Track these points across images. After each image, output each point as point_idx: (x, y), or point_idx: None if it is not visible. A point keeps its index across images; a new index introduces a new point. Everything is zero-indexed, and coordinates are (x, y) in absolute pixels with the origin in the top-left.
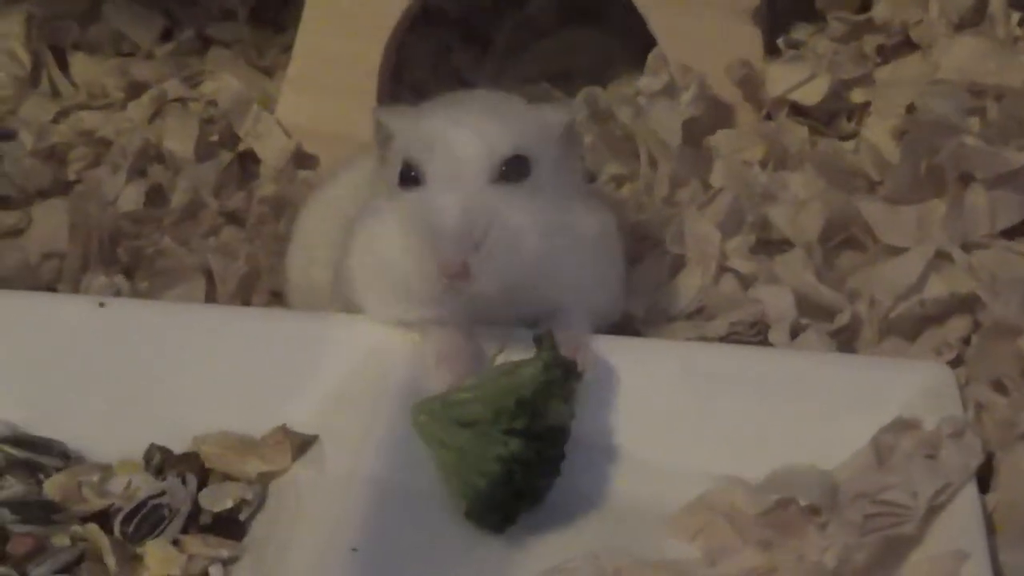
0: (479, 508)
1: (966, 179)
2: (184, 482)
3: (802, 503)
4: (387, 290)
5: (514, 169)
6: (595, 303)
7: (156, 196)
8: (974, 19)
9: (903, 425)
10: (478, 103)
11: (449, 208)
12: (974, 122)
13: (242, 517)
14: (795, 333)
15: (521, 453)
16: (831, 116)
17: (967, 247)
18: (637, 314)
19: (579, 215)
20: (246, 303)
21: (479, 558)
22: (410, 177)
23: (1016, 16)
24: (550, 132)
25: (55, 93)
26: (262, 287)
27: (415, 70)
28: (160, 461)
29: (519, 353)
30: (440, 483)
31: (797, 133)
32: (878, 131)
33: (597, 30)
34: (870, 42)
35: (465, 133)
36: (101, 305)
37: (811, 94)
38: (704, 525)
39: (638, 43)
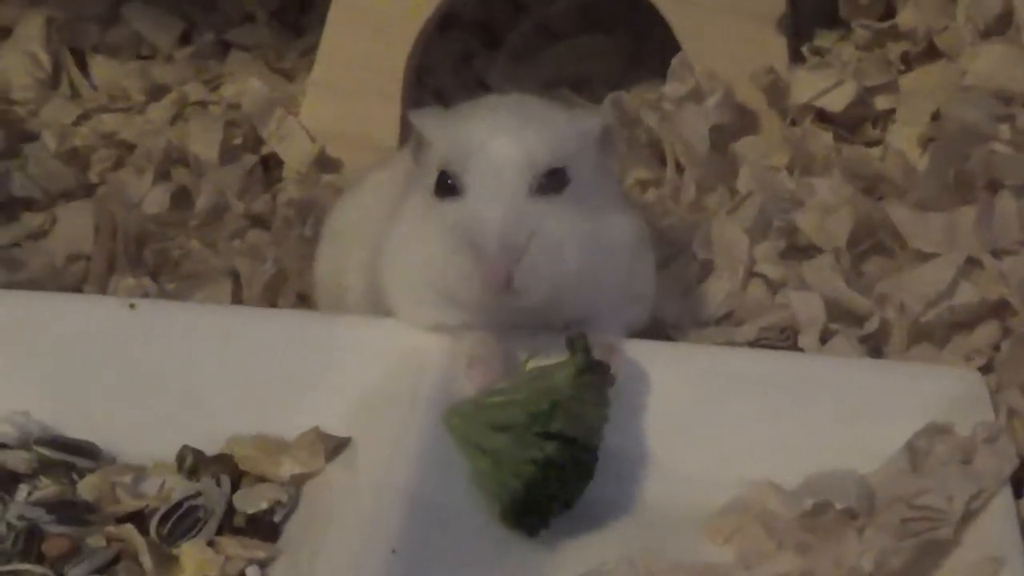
0: (514, 511)
1: (995, 186)
2: (218, 483)
3: (839, 507)
4: (425, 296)
5: (554, 180)
6: (627, 308)
7: (181, 199)
8: (1000, 27)
9: (937, 430)
10: (516, 110)
11: (493, 220)
12: (1004, 129)
13: (276, 519)
14: (824, 338)
15: (556, 456)
16: (856, 123)
17: (996, 253)
18: (667, 319)
19: (615, 222)
20: (272, 305)
21: (512, 561)
22: (448, 186)
23: None
24: (587, 139)
25: (75, 95)
26: (288, 290)
27: (436, 75)
28: (193, 462)
29: (550, 356)
30: (473, 486)
31: (822, 139)
32: (903, 138)
33: (614, 35)
34: (894, 49)
35: (506, 144)
36: (132, 306)
37: (836, 101)
38: (738, 528)
39: (655, 49)
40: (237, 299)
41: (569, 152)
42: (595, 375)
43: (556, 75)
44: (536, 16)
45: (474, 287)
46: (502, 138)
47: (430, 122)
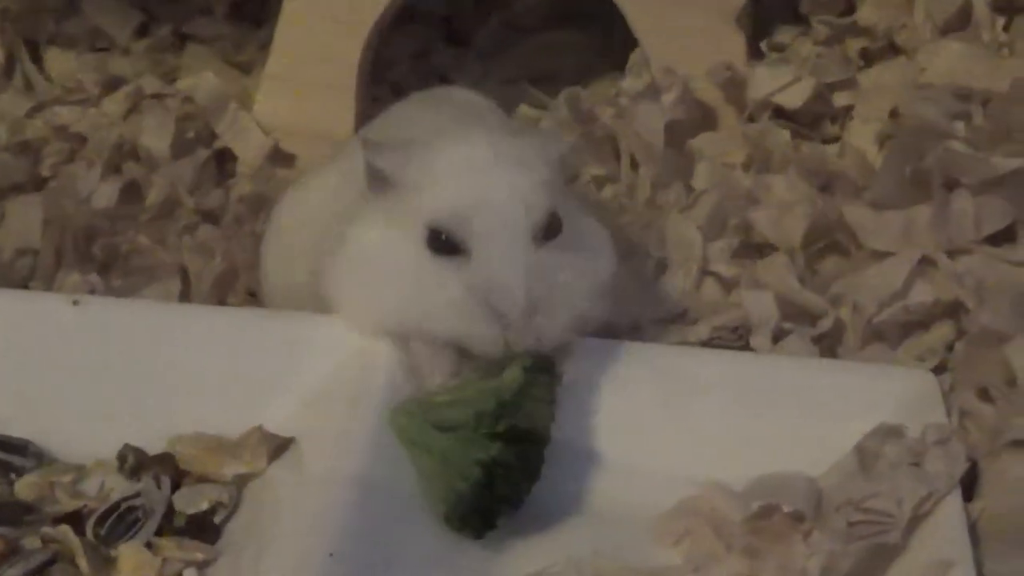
0: (460, 513)
1: (952, 184)
2: (159, 484)
3: (786, 510)
4: (409, 334)
5: (551, 227)
6: (583, 310)
7: (132, 193)
8: (959, 24)
9: (887, 432)
10: (494, 149)
11: (513, 286)
12: (960, 127)
13: (217, 520)
14: (777, 338)
15: (502, 457)
16: (814, 120)
17: (952, 253)
18: (621, 317)
19: (594, 244)
20: (222, 302)
21: (458, 563)
22: (444, 243)
23: (1001, 21)
24: (558, 167)
25: (29, 88)
26: (239, 286)
27: (396, 69)
28: (134, 462)
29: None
30: (419, 487)
31: (780, 136)
32: (862, 135)
33: (582, 32)
34: (854, 46)
35: (507, 202)
36: (75, 303)
37: (794, 97)
38: (687, 531)
39: (623, 45)
40: (186, 296)
41: (554, 192)
42: (541, 373)
43: (523, 72)
44: (504, 12)
45: (498, 347)
46: (500, 193)
47: (394, 162)
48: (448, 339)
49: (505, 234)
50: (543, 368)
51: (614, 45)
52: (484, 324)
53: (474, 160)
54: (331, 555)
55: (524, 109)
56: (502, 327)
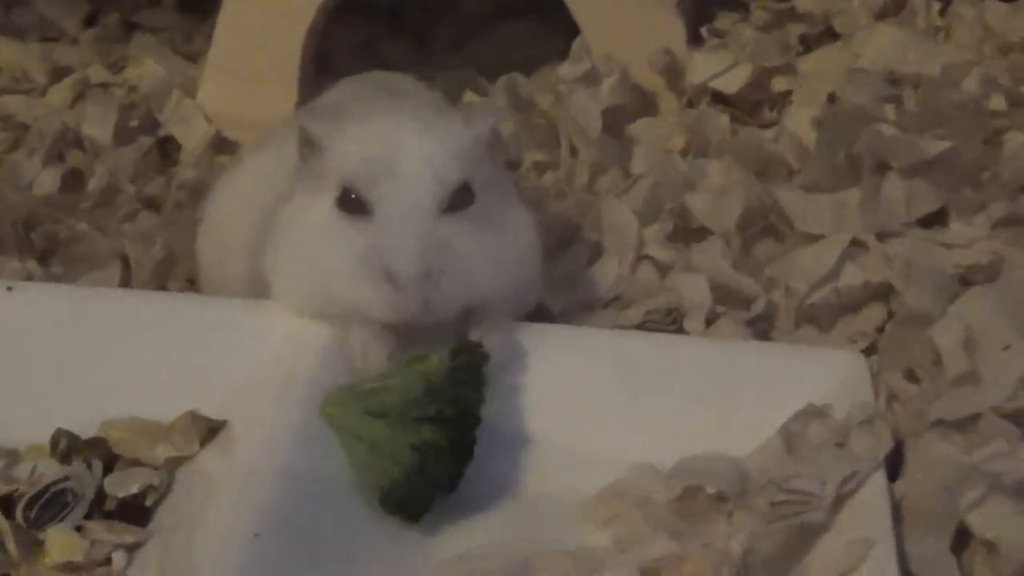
0: (393, 498)
1: (883, 168)
2: (90, 467)
3: (710, 491)
4: (321, 301)
5: (460, 196)
6: (514, 296)
7: (73, 181)
8: (895, 9)
9: (813, 413)
10: (417, 122)
11: (408, 247)
12: (891, 111)
13: (148, 503)
14: (711, 321)
15: (434, 440)
16: (754, 105)
17: (883, 236)
18: (556, 302)
19: (514, 224)
20: (162, 289)
21: (390, 546)
22: (351, 201)
23: (937, 6)
24: (481, 142)
25: None
26: (178, 273)
27: (341, 59)
28: (67, 446)
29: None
30: (352, 473)
31: (719, 122)
32: (799, 120)
33: (530, 22)
34: (793, 31)
35: (415, 165)
36: (8, 289)
37: (732, 82)
38: (616, 513)
39: (571, 34)
40: (126, 283)
41: (471, 164)
42: (469, 356)
43: (471, 61)
44: (453, 4)
45: (388, 311)
46: (410, 158)
47: (322, 127)
48: (347, 304)
49: (407, 198)
50: (471, 352)
51: (566, 36)
52: (376, 286)
53: (392, 126)
54: (256, 536)
55: (469, 96)
56: (393, 290)
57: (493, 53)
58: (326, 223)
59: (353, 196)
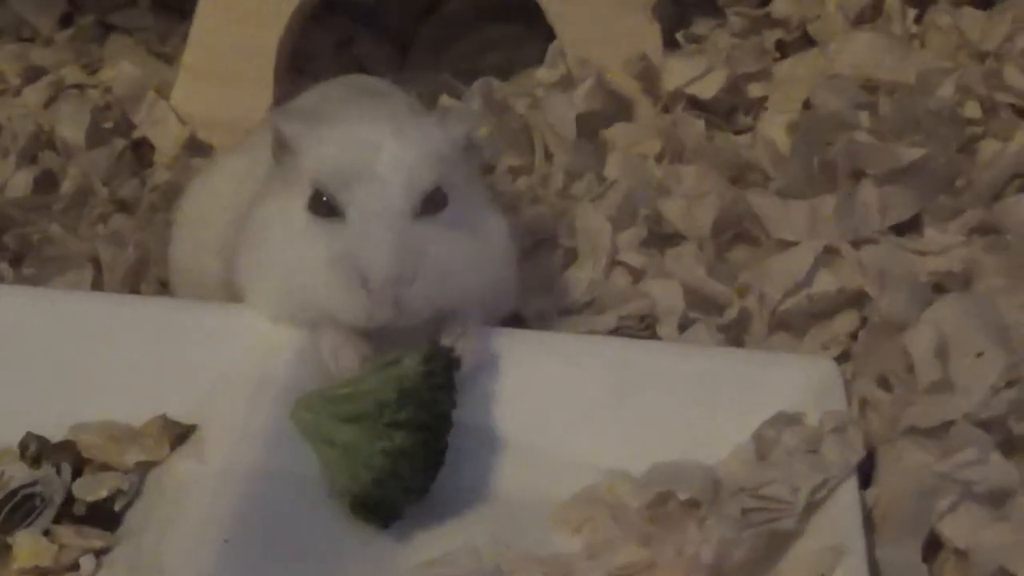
0: (365, 503)
1: (857, 174)
2: (59, 471)
3: (681, 497)
4: (292, 306)
5: (433, 200)
6: (488, 300)
7: (46, 183)
8: (871, 15)
9: (785, 420)
10: (388, 121)
11: (381, 252)
12: (866, 118)
13: (117, 507)
14: (684, 327)
15: (406, 445)
16: (729, 111)
17: (857, 242)
18: (530, 308)
19: (488, 229)
20: (134, 292)
21: (361, 551)
22: (323, 203)
23: (912, 13)
24: (456, 146)
25: None
26: (151, 276)
27: (317, 60)
28: (36, 450)
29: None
30: (323, 478)
31: (694, 127)
32: (774, 126)
33: (510, 25)
34: (769, 37)
35: (388, 169)
36: None
37: (707, 88)
38: (587, 518)
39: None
40: (99, 285)
41: (445, 168)
42: (441, 361)
43: (449, 64)
44: (431, 5)
45: (360, 314)
46: (384, 161)
47: (296, 128)
48: (319, 308)
49: (381, 201)
50: (442, 356)
51: (545, 38)
52: (348, 290)
53: (364, 128)
54: (226, 541)
55: (445, 100)
56: (365, 294)
57: (473, 57)
58: (299, 225)
59: (325, 199)
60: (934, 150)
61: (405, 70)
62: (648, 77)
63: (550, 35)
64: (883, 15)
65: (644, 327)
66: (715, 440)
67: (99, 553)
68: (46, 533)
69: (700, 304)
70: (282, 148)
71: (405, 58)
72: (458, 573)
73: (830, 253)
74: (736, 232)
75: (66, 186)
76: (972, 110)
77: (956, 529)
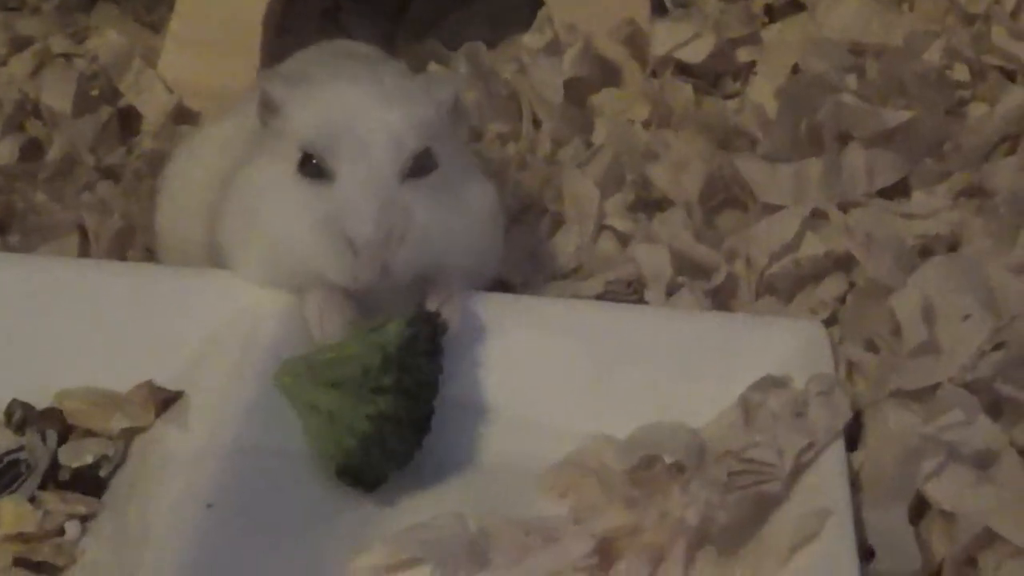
0: (350, 468)
1: (844, 138)
2: (44, 438)
3: (667, 461)
4: (278, 268)
5: (421, 163)
6: (474, 265)
7: (32, 151)
8: None
9: (771, 383)
10: (378, 87)
11: (368, 213)
12: (853, 81)
13: (102, 473)
14: (671, 292)
15: (390, 410)
16: (718, 76)
17: (844, 206)
18: (516, 273)
19: (474, 193)
20: (121, 259)
21: (347, 516)
22: (312, 166)
23: None
24: (443, 110)
25: None
26: (137, 244)
27: (302, 29)
28: (22, 417)
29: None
30: (308, 443)
31: (682, 92)
32: (762, 91)
33: None
34: (757, 2)
35: (376, 132)
36: None
37: (695, 53)
38: (574, 483)
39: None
40: (85, 253)
41: (432, 131)
42: (426, 325)
43: (436, 31)
44: None
45: (346, 275)
46: (372, 124)
47: (283, 90)
48: (305, 270)
49: (368, 163)
50: (427, 321)
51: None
52: (335, 250)
53: (353, 91)
54: (209, 506)
55: (432, 66)
56: (352, 255)
57: (463, 26)
58: (285, 187)
59: (314, 161)
60: (922, 113)
61: (393, 38)
62: (636, 42)
63: (537, 3)
64: None
65: (631, 292)
66: (701, 404)
67: (84, 519)
68: (31, 499)
69: (687, 269)
70: (268, 110)
71: (393, 27)
72: (443, 537)
73: (817, 217)
74: (724, 197)
75: (52, 154)
76: (960, 73)
77: (942, 491)
